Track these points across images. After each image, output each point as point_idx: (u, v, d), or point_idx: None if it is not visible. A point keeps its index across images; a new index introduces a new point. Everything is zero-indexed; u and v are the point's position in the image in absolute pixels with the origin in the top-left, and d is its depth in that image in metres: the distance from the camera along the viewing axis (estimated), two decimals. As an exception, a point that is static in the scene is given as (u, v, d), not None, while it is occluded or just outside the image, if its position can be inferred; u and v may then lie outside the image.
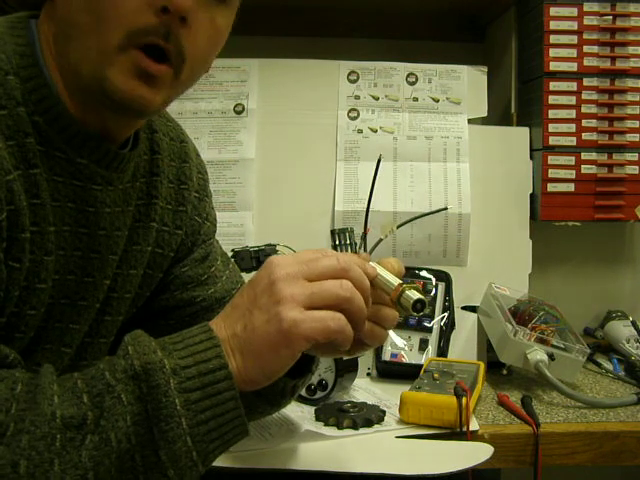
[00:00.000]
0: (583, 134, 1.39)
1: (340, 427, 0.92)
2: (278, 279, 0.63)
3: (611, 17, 1.38)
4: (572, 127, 1.39)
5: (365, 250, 0.76)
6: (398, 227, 0.78)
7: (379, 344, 0.74)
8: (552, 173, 1.40)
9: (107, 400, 0.58)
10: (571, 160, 1.40)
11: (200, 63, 0.71)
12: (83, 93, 0.70)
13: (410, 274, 1.28)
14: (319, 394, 1.04)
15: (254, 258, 1.21)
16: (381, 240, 0.75)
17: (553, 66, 1.38)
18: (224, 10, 0.71)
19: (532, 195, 1.42)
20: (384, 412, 0.97)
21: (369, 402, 1.01)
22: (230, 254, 1.18)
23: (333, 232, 1.32)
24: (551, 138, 1.39)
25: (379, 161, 0.73)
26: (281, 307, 0.62)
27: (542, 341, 1.14)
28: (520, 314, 1.22)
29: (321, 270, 0.65)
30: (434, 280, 1.28)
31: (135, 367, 0.59)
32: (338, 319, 0.64)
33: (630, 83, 1.39)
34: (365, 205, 1.37)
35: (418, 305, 0.66)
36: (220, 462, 0.81)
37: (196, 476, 0.61)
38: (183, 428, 0.58)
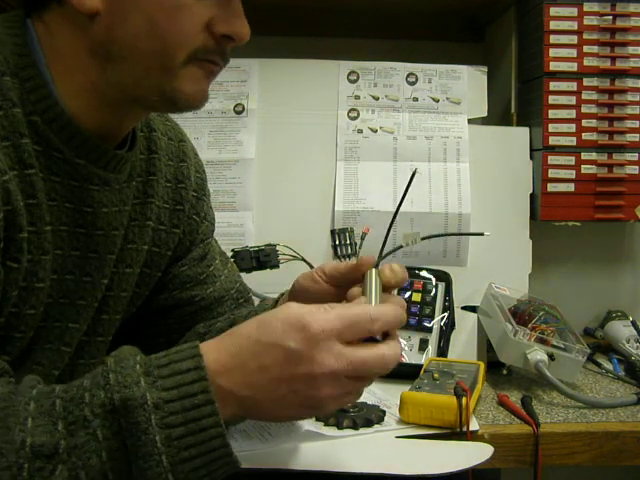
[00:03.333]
0: (583, 134, 1.39)
1: (340, 427, 0.92)
2: (322, 375, 0.60)
3: (611, 17, 1.38)
4: (572, 127, 1.39)
5: (381, 254, 0.74)
6: (423, 239, 0.77)
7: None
8: (552, 173, 1.40)
9: (82, 435, 0.56)
10: (571, 160, 1.40)
11: None
12: (119, 100, 0.72)
13: (410, 274, 1.28)
14: (319, 394, 1.04)
15: (254, 258, 1.21)
16: (401, 247, 0.75)
17: (553, 66, 1.38)
18: None
19: (532, 195, 1.42)
20: (384, 412, 0.97)
21: (369, 402, 1.01)
22: (230, 254, 1.18)
23: (333, 232, 1.32)
24: (551, 138, 1.39)
25: (413, 174, 0.73)
26: (317, 404, 0.61)
27: (542, 341, 1.14)
28: (520, 314, 1.22)
29: (367, 371, 0.63)
30: (434, 280, 1.28)
31: (114, 401, 0.56)
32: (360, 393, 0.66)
33: (630, 83, 1.39)
34: (365, 205, 1.37)
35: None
36: (220, 462, 0.81)
37: None
38: (164, 466, 0.56)
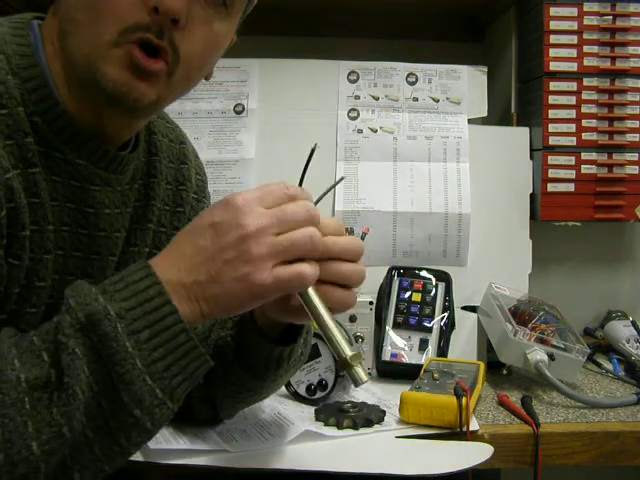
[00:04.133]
0: (583, 134, 1.39)
1: (340, 427, 0.92)
2: (248, 236, 0.62)
3: (611, 17, 1.38)
4: (572, 127, 1.39)
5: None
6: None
7: (346, 309, 0.71)
8: (552, 173, 1.40)
9: (64, 357, 0.59)
10: (571, 160, 1.40)
11: (196, 65, 0.72)
12: (80, 89, 0.70)
13: (410, 274, 1.29)
14: (319, 394, 1.04)
15: (254, 258, 1.21)
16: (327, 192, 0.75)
17: (553, 66, 1.38)
18: (224, 16, 0.72)
19: (532, 195, 1.42)
20: (384, 412, 0.97)
21: (369, 402, 1.01)
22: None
23: (333, 232, 1.31)
24: (551, 138, 1.39)
25: (313, 150, 0.74)
26: (251, 268, 0.62)
27: (542, 341, 1.14)
28: (520, 314, 1.22)
29: (291, 223, 0.64)
30: (434, 280, 1.28)
31: (80, 320, 0.59)
32: (303, 277, 0.64)
33: (630, 83, 1.39)
34: (365, 205, 1.37)
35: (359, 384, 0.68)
36: (220, 462, 0.81)
37: (169, 413, 0.62)
38: (139, 368, 0.59)
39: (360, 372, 0.68)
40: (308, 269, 0.65)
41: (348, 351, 0.68)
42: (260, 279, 0.62)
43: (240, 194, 0.64)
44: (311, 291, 0.68)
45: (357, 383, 0.68)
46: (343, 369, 0.69)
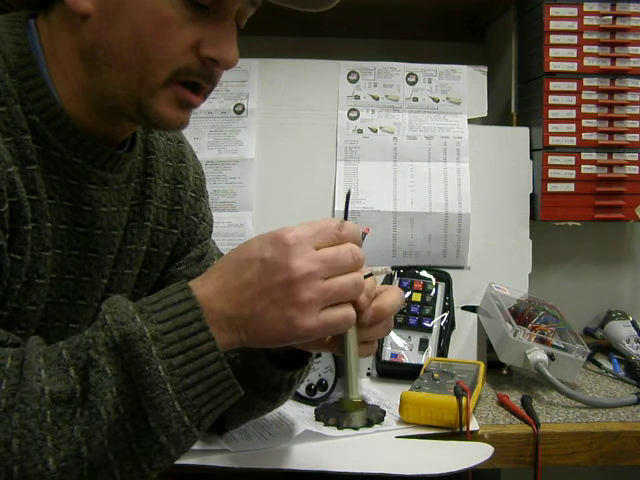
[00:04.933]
0: (583, 134, 1.39)
1: (340, 427, 0.92)
2: (298, 280, 0.62)
3: (611, 17, 1.38)
4: (572, 127, 1.39)
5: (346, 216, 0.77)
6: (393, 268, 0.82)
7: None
8: (552, 173, 1.40)
9: (92, 375, 0.58)
10: (571, 160, 1.40)
11: None
12: (105, 107, 0.71)
13: (410, 274, 1.29)
14: (319, 394, 1.04)
15: (254, 258, 1.21)
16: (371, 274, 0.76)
17: (553, 66, 1.38)
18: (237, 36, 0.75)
19: (532, 195, 1.42)
20: (384, 412, 0.97)
21: (369, 402, 1.01)
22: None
23: (333, 232, 1.31)
24: (551, 138, 1.39)
25: (348, 195, 0.75)
26: (298, 313, 0.63)
27: (542, 341, 1.14)
28: (520, 314, 1.22)
29: (339, 269, 0.65)
30: (434, 280, 1.28)
31: (115, 338, 0.59)
32: (347, 320, 0.66)
33: (630, 83, 1.39)
34: (365, 205, 1.37)
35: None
36: (220, 462, 0.81)
37: (193, 441, 0.61)
38: (169, 394, 0.58)
39: (356, 417, 0.76)
40: (352, 312, 0.66)
41: (357, 395, 0.71)
42: (307, 324, 0.63)
43: (292, 231, 0.64)
44: (351, 330, 0.70)
45: (348, 425, 0.77)
46: (344, 407, 0.72)
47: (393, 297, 0.73)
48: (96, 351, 0.59)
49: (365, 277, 0.69)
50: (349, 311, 0.66)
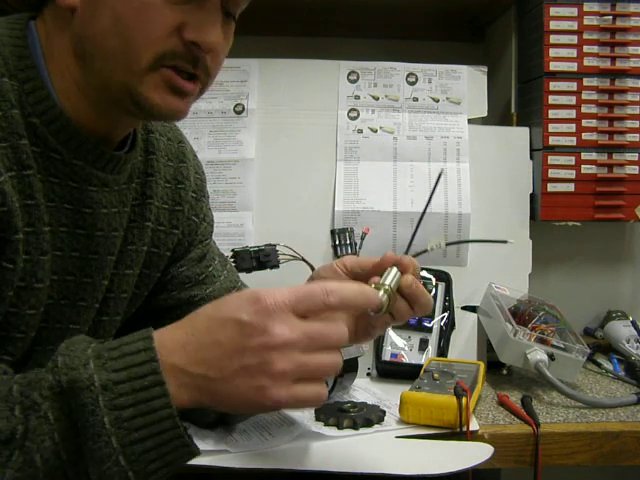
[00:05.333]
0: (583, 134, 1.39)
1: (340, 427, 0.92)
2: (274, 347, 0.58)
3: (611, 17, 1.38)
4: (572, 127, 1.39)
5: (407, 253, 0.76)
6: (447, 245, 0.79)
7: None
8: (552, 173, 1.40)
9: (32, 419, 0.56)
10: (571, 160, 1.40)
11: (217, 73, 0.75)
12: (100, 102, 0.71)
13: (410, 274, 1.28)
14: (319, 394, 1.04)
15: (254, 258, 1.21)
16: (426, 251, 0.75)
17: (553, 66, 1.38)
18: (232, 27, 0.75)
19: (532, 195, 1.42)
20: (384, 412, 0.97)
21: (369, 402, 1.01)
22: (230, 254, 1.18)
23: (333, 232, 1.32)
24: (551, 138, 1.39)
25: (440, 175, 0.75)
26: (269, 383, 0.58)
27: (542, 341, 1.14)
28: (520, 314, 1.22)
29: (321, 344, 0.60)
30: (434, 280, 1.28)
31: (62, 384, 0.56)
32: (318, 399, 0.61)
33: (630, 83, 1.39)
34: (365, 205, 1.37)
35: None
36: (220, 462, 0.81)
37: None
38: (113, 447, 0.55)
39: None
40: (324, 391, 0.62)
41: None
42: (276, 395, 0.58)
43: (274, 294, 0.59)
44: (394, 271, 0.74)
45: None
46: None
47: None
48: (40, 395, 0.56)
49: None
50: (322, 390, 0.61)
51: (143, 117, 0.74)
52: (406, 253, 0.75)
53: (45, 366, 0.66)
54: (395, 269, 0.74)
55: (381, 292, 0.70)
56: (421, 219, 0.76)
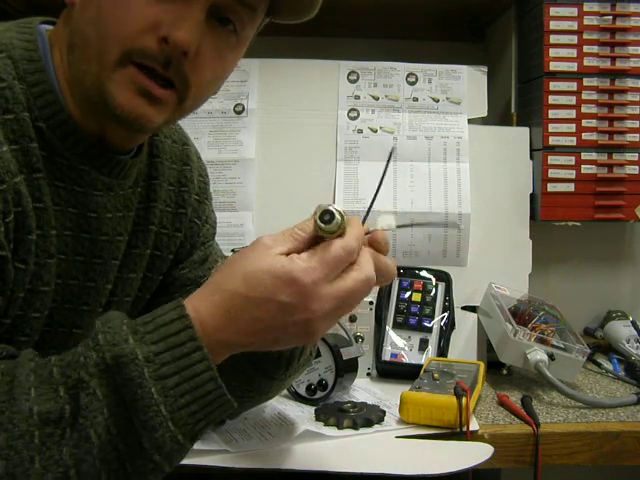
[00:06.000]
0: (583, 134, 1.39)
1: (340, 427, 0.92)
2: (315, 319, 0.62)
3: (611, 17, 1.38)
4: (572, 127, 1.39)
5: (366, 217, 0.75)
6: (398, 227, 0.77)
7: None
8: (552, 173, 1.40)
9: (83, 397, 0.57)
10: (571, 160, 1.40)
11: (206, 92, 0.73)
12: (86, 102, 0.70)
13: (410, 274, 1.29)
14: (319, 394, 1.04)
15: (254, 258, 1.21)
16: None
17: (553, 66, 1.38)
18: (234, 44, 0.71)
19: (532, 195, 1.42)
20: (384, 412, 0.97)
21: (369, 402, 1.01)
22: (230, 254, 1.18)
23: (333, 232, 1.32)
24: (551, 138, 1.39)
25: (390, 154, 0.73)
26: (313, 338, 0.65)
27: (542, 341, 1.14)
28: (520, 314, 1.22)
29: (353, 301, 0.65)
30: (434, 280, 1.28)
31: (107, 360, 0.58)
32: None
33: (630, 83, 1.39)
34: (365, 205, 1.37)
35: (326, 216, 0.65)
36: (220, 462, 0.81)
37: (185, 454, 0.61)
38: (163, 415, 0.57)
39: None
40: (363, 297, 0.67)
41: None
42: (318, 336, 0.65)
43: (307, 271, 0.61)
44: None
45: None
46: None
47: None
48: (87, 372, 0.58)
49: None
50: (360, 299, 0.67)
51: (115, 120, 0.69)
52: (365, 218, 0.75)
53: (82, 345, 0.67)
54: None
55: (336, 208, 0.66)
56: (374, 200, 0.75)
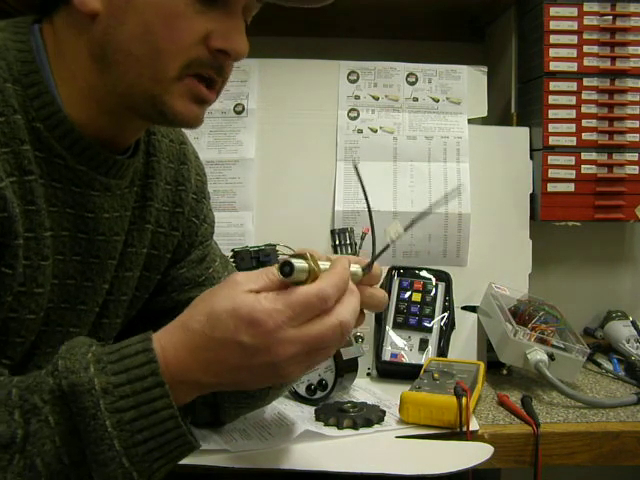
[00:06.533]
0: (583, 134, 1.39)
1: (340, 427, 0.92)
2: (281, 362, 0.60)
3: (611, 17, 1.38)
4: (572, 127, 1.39)
5: (373, 259, 0.73)
6: (405, 230, 0.75)
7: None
8: (552, 173, 1.40)
9: (34, 423, 0.56)
10: (571, 160, 1.40)
11: None
12: (118, 107, 0.71)
13: (410, 274, 1.29)
14: (319, 394, 1.04)
15: (254, 258, 1.21)
16: (388, 246, 0.73)
17: (553, 66, 1.38)
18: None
19: (532, 195, 1.42)
20: (384, 412, 0.97)
21: (369, 402, 1.01)
22: (230, 254, 1.18)
23: (333, 232, 1.32)
24: (551, 138, 1.39)
25: (356, 168, 0.73)
26: (281, 379, 0.63)
27: (542, 341, 1.14)
28: (520, 314, 1.22)
29: (322, 346, 0.62)
30: (434, 280, 1.28)
31: (63, 387, 0.56)
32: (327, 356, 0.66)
33: (630, 83, 1.39)
34: (365, 205, 1.37)
35: (286, 268, 0.60)
36: (220, 462, 0.81)
37: None
38: (116, 450, 0.56)
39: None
40: (332, 352, 0.66)
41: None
42: (290, 381, 0.69)
43: (270, 314, 0.59)
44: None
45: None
46: None
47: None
48: (41, 398, 0.57)
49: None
50: (328, 353, 0.65)
51: (163, 124, 0.75)
52: (373, 254, 0.73)
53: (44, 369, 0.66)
54: (357, 268, 0.69)
55: (301, 261, 0.62)
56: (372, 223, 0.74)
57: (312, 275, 0.61)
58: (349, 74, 1.43)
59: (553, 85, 1.39)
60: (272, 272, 0.61)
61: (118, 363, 0.58)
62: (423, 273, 1.29)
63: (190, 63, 0.68)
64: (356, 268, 0.69)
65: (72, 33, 0.70)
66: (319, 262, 0.63)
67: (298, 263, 0.60)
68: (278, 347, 0.59)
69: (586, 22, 1.38)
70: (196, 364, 0.60)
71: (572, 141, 1.39)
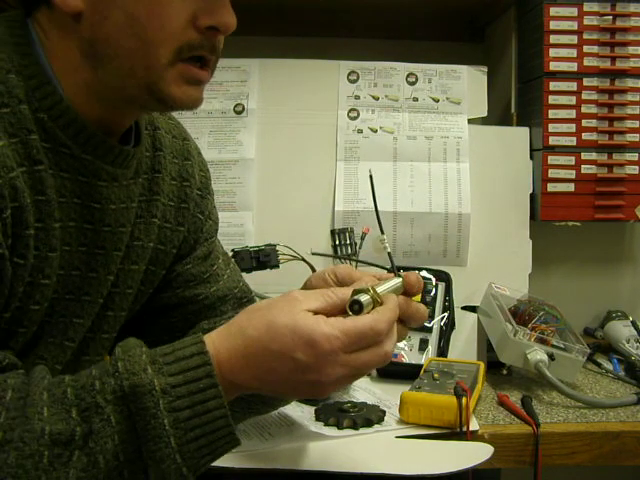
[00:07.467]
0: (583, 134, 1.39)
1: (340, 427, 0.92)
2: (326, 382, 0.64)
3: (611, 17, 1.38)
4: (572, 127, 1.39)
5: (394, 268, 0.78)
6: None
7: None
8: (552, 173, 1.40)
9: (96, 422, 0.58)
10: (571, 160, 1.40)
11: None
12: (115, 99, 0.72)
13: (410, 274, 1.29)
14: (319, 394, 1.04)
15: (254, 258, 1.21)
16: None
17: (553, 66, 1.38)
18: None
19: (532, 195, 1.42)
20: (384, 412, 0.97)
21: (369, 402, 1.01)
22: (230, 254, 1.18)
23: (333, 232, 1.32)
24: (551, 138, 1.39)
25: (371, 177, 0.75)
26: (321, 395, 0.68)
27: (542, 341, 1.14)
28: (520, 314, 1.22)
29: (365, 371, 0.67)
30: (434, 280, 1.28)
31: (124, 388, 0.59)
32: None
33: (630, 83, 1.39)
34: (365, 205, 1.37)
35: (355, 307, 0.66)
36: (220, 462, 0.80)
37: None
38: (172, 447, 0.59)
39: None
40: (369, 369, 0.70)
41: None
42: (323, 397, 0.72)
43: (329, 339, 0.63)
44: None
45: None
46: None
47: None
48: (104, 398, 0.59)
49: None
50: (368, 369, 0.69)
51: (164, 110, 0.77)
52: (391, 262, 0.77)
53: (58, 361, 0.69)
54: (398, 281, 0.74)
55: (366, 296, 0.68)
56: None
57: (375, 305, 0.67)
58: (349, 74, 1.43)
59: (553, 85, 1.39)
60: (330, 294, 0.67)
61: (174, 365, 0.61)
62: (423, 273, 1.29)
63: (181, 48, 0.68)
64: (396, 281, 0.74)
65: (59, 34, 0.70)
66: (376, 288, 0.69)
67: (364, 299, 0.66)
68: (328, 368, 0.63)
69: (586, 22, 1.38)
70: (247, 369, 0.64)
71: (572, 141, 1.39)
